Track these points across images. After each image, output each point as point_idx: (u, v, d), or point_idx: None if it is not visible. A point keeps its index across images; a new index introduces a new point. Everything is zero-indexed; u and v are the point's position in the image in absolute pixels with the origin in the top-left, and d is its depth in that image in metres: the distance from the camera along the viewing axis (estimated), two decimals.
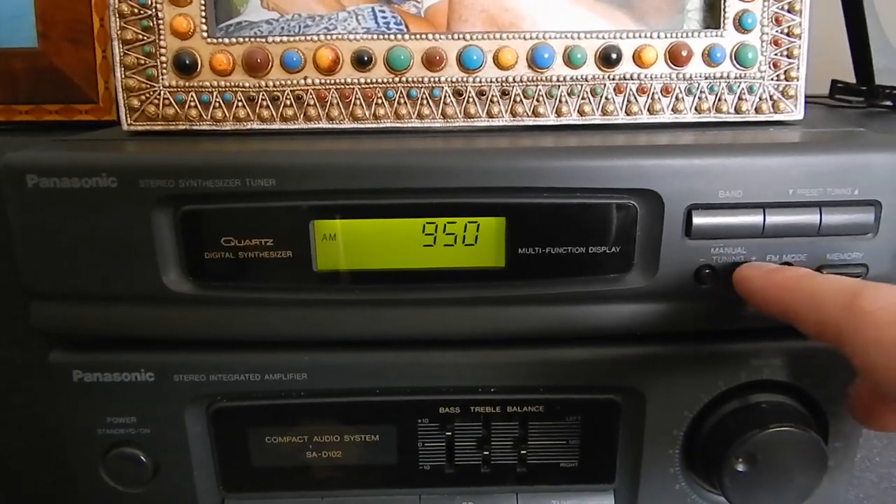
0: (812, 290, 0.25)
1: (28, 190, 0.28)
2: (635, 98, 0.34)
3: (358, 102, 0.33)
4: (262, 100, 0.33)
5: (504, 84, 0.33)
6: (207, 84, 0.33)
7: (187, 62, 0.32)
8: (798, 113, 0.34)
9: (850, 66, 0.47)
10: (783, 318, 0.26)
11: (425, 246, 0.29)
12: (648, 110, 0.34)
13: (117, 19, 0.32)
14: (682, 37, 0.33)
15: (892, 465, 0.40)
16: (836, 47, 0.47)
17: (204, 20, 0.32)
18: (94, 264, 0.29)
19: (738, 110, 0.34)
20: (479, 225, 0.29)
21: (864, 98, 0.46)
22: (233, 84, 0.33)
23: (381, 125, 0.33)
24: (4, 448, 0.38)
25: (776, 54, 0.34)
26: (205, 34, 0.32)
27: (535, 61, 0.33)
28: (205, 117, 0.33)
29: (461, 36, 0.33)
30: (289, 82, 0.33)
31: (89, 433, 0.31)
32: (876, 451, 0.39)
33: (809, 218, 0.28)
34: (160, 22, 0.32)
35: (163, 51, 0.32)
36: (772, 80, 0.34)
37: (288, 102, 0.33)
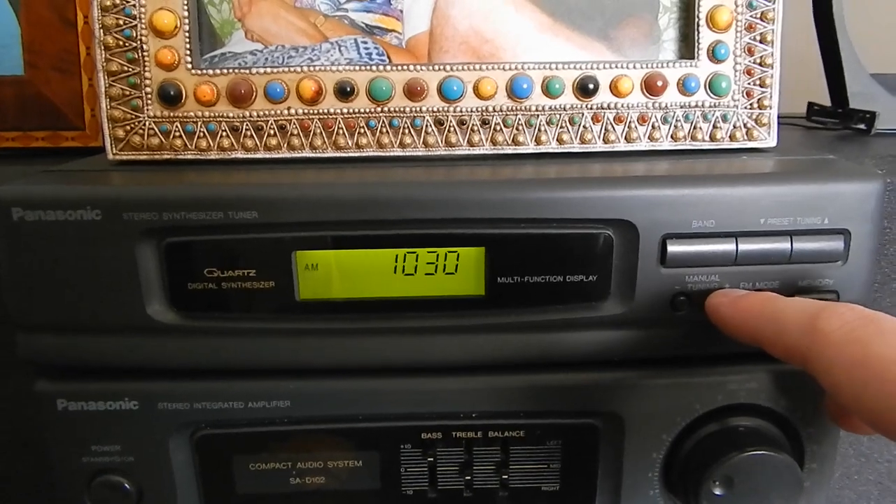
0: (775, 316, 0.26)
1: (13, 223, 0.28)
2: (612, 127, 0.34)
3: (341, 132, 0.34)
4: (246, 129, 0.33)
5: (484, 113, 0.34)
6: (192, 114, 0.33)
7: (172, 93, 0.33)
8: (771, 140, 0.35)
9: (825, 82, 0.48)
10: (753, 344, 0.27)
11: (406, 275, 0.30)
12: (625, 138, 0.34)
13: (103, 51, 0.32)
14: (657, 67, 0.34)
15: (869, 483, 0.40)
16: (814, 63, 0.48)
17: (188, 52, 0.33)
18: (79, 296, 0.29)
19: (712, 138, 0.35)
20: (459, 254, 0.29)
21: (839, 120, 0.47)
22: (217, 114, 0.33)
23: (363, 154, 0.34)
24: None
25: (749, 84, 0.34)
26: (189, 65, 0.33)
27: (514, 91, 0.34)
28: (189, 147, 0.33)
29: (442, 67, 0.33)
30: (272, 112, 0.33)
31: (74, 461, 0.31)
32: (854, 469, 0.40)
33: (781, 246, 0.29)
34: (145, 54, 0.33)
35: (148, 82, 0.33)
36: (745, 108, 0.35)
37: (272, 132, 0.33)
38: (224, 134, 0.33)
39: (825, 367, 0.23)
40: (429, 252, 0.29)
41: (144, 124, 0.33)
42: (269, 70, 0.33)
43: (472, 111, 0.34)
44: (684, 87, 0.34)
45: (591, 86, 0.33)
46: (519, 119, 0.34)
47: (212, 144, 0.33)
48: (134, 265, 0.29)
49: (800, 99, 0.52)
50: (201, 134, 0.33)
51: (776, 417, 0.32)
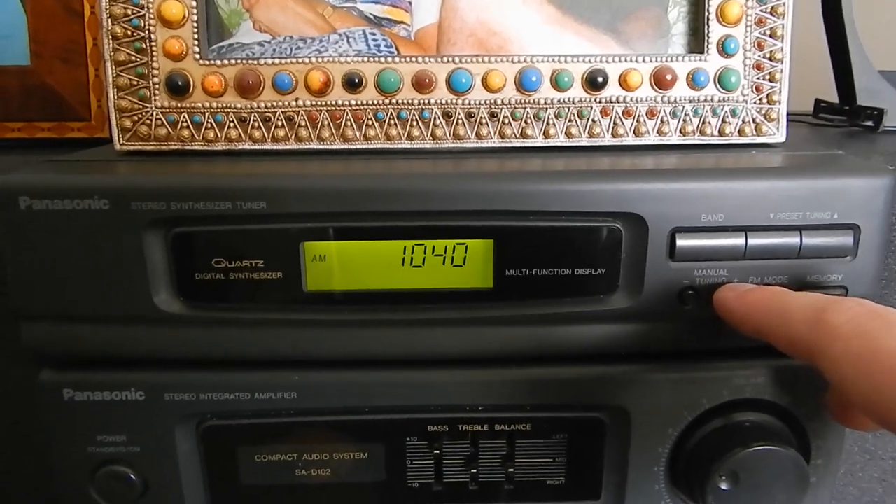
0: (782, 309, 0.26)
1: (20, 212, 0.28)
2: (621, 120, 0.34)
3: (349, 124, 0.33)
4: (254, 121, 0.33)
5: (493, 106, 0.34)
6: (200, 105, 0.33)
7: (180, 83, 0.32)
8: (780, 135, 0.35)
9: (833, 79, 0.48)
10: (759, 337, 0.27)
11: (414, 267, 0.30)
12: (634, 132, 0.34)
13: (110, 41, 0.32)
14: (666, 61, 0.34)
15: (874, 479, 0.40)
16: (821, 61, 0.48)
17: (196, 42, 0.33)
18: (86, 285, 0.29)
19: (721, 133, 0.35)
20: (467, 247, 0.29)
21: (846, 117, 0.47)
22: (225, 105, 0.33)
23: (371, 146, 0.34)
24: None
25: (758, 78, 0.34)
26: (197, 56, 0.33)
27: (522, 84, 0.33)
28: (197, 138, 0.33)
29: (450, 59, 0.33)
30: (280, 104, 0.33)
31: (79, 451, 0.31)
32: (858, 466, 0.40)
33: (790, 241, 0.29)
34: (153, 44, 0.32)
35: (155, 72, 0.33)
36: (754, 103, 0.35)
37: (279, 123, 0.33)
38: (232, 125, 0.33)
39: (832, 361, 0.23)
40: (437, 244, 0.29)
41: (152, 114, 0.33)
42: (277, 61, 0.33)
43: (480, 104, 0.34)
44: (694, 81, 0.34)
45: (600, 79, 0.33)
46: (527, 112, 0.34)
47: (219, 135, 0.33)
48: (141, 255, 0.28)
49: (807, 96, 0.52)
50: (209, 125, 0.33)
51: (782, 413, 0.32)
